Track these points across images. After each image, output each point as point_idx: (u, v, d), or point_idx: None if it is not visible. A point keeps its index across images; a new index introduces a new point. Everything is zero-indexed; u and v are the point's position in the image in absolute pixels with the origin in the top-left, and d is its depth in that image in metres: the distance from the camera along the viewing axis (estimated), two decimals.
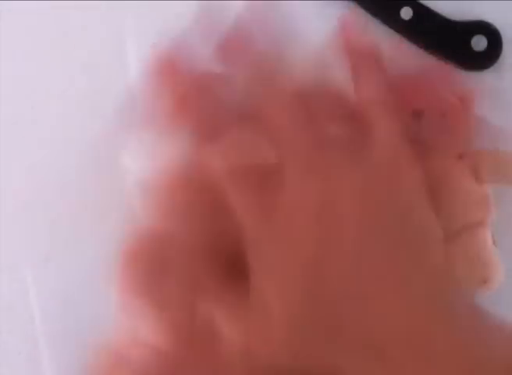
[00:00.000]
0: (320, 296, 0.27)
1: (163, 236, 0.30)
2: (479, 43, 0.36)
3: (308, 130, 0.30)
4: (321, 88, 0.32)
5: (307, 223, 0.28)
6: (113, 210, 0.35)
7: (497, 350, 0.27)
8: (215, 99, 0.31)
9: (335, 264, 0.28)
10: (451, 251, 0.34)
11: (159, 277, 0.30)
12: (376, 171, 0.30)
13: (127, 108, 0.35)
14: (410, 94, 0.33)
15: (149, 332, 0.30)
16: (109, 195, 0.36)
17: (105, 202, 0.36)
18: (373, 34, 0.36)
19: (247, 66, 0.32)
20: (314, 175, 0.29)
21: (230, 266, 0.29)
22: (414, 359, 0.27)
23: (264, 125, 0.30)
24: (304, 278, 0.28)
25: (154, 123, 0.32)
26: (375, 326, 0.27)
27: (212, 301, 0.29)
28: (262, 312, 0.28)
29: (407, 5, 0.36)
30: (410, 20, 0.36)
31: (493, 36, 0.36)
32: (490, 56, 0.36)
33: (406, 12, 0.36)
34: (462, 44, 0.36)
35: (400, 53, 0.35)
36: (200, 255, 0.30)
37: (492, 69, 0.37)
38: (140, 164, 0.32)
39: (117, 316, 0.31)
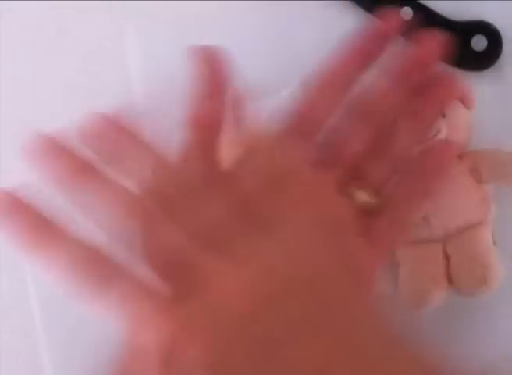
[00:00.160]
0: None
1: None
2: (479, 43, 0.36)
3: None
4: None
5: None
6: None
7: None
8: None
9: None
10: (451, 251, 0.34)
11: None
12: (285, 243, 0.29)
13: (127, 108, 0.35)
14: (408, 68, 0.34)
15: None
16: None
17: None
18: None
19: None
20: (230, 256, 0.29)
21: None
22: None
23: None
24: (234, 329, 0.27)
25: None
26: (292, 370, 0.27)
27: None
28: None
29: (407, 5, 0.36)
30: (410, 20, 0.36)
31: (493, 36, 0.36)
32: (490, 56, 0.37)
33: (406, 12, 0.36)
34: (462, 44, 0.36)
35: (400, 53, 0.35)
36: None
37: (492, 69, 0.37)
38: None
39: None
